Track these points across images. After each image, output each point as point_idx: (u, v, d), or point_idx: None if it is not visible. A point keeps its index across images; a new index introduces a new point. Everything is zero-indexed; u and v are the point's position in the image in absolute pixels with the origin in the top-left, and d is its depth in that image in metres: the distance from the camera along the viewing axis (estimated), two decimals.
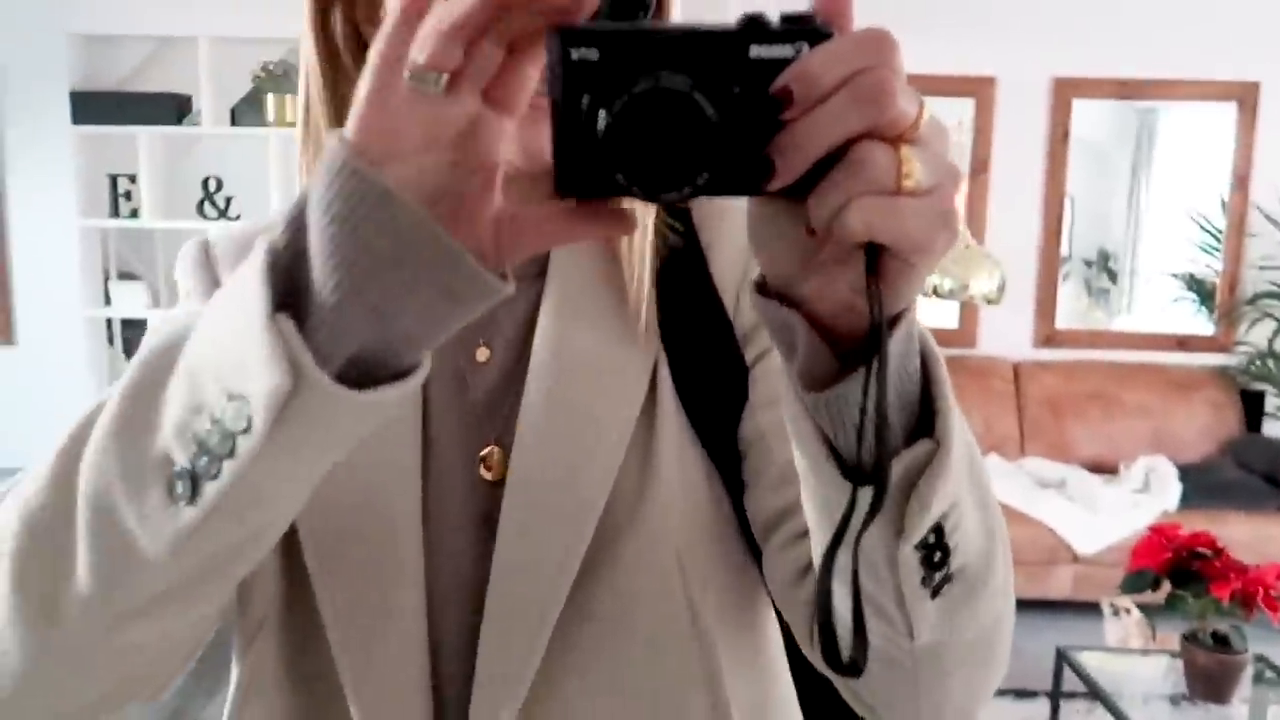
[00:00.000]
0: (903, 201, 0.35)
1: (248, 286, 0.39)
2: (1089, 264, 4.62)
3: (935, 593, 0.44)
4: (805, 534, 0.52)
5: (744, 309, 0.59)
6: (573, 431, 0.56)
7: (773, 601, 0.61)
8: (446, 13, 0.35)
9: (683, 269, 0.60)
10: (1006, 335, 4.35)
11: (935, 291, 4.28)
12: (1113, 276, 4.63)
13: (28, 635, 0.44)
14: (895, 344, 0.39)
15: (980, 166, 4.29)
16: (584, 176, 0.36)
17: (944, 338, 4.34)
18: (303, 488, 0.44)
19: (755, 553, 0.61)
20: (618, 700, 0.57)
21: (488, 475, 0.58)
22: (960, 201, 4.30)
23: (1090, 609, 3.62)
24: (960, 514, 0.43)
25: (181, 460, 0.40)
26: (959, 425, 0.42)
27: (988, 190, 4.31)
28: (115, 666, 0.47)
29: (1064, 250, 4.46)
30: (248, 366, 0.38)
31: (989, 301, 4.19)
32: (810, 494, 0.45)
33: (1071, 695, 3.00)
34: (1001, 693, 3.14)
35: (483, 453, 0.59)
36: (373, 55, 0.37)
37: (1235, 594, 2.07)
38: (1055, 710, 2.44)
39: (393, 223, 0.36)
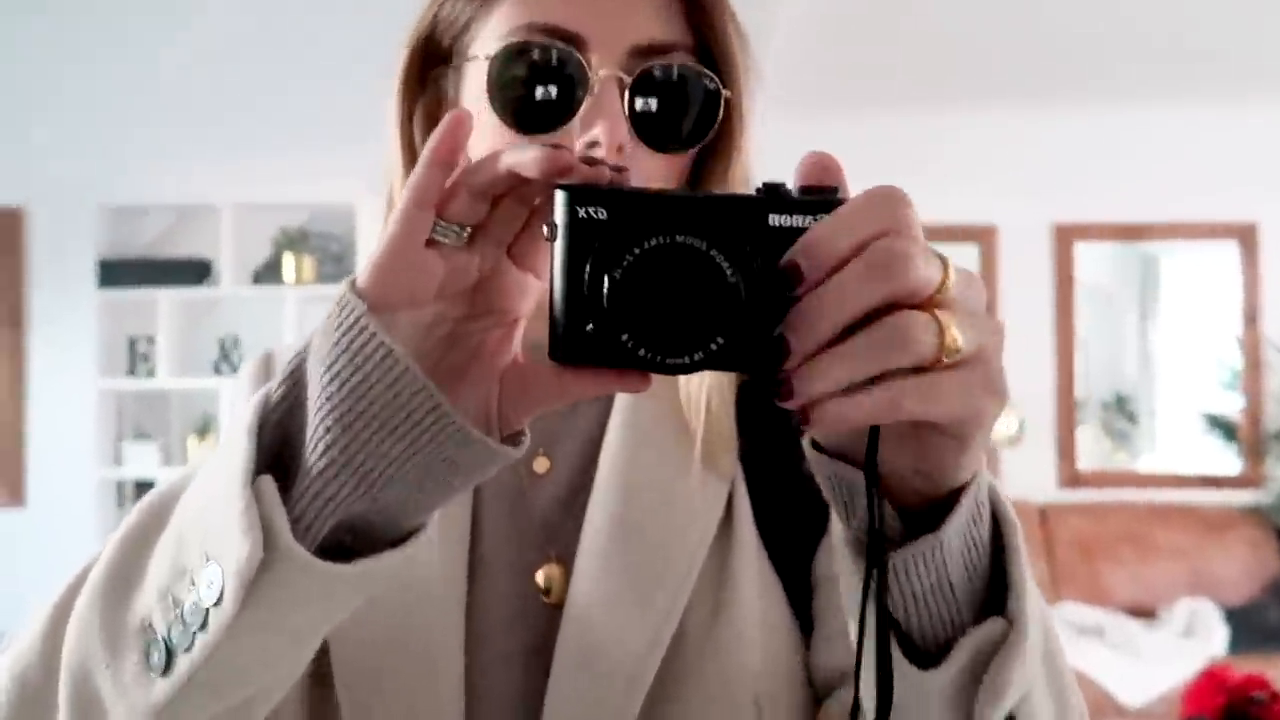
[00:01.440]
0: (939, 375, 0.32)
1: (235, 442, 0.37)
2: (1106, 407, 4.59)
3: None
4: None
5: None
6: (639, 557, 0.52)
7: None
8: (475, 169, 0.35)
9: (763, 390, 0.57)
10: (1030, 478, 4.27)
11: None
12: (1131, 418, 4.59)
13: None
14: (959, 514, 0.37)
15: (988, 312, 4.32)
16: (583, 343, 0.34)
17: None
18: (290, 663, 0.41)
19: None
20: None
21: (546, 598, 0.54)
22: None
23: None
24: (1033, 706, 0.39)
25: (160, 628, 0.38)
26: (1034, 601, 0.38)
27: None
28: None
29: (1079, 394, 4.44)
30: (224, 531, 0.36)
31: (1009, 443, 4.15)
32: (860, 667, 0.40)
33: None
34: None
35: (540, 572, 0.55)
36: (399, 201, 0.36)
37: None
38: None
39: (394, 387, 0.34)
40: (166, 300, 3.57)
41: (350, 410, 0.35)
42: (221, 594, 0.35)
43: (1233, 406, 4.31)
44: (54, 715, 0.41)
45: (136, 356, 3.68)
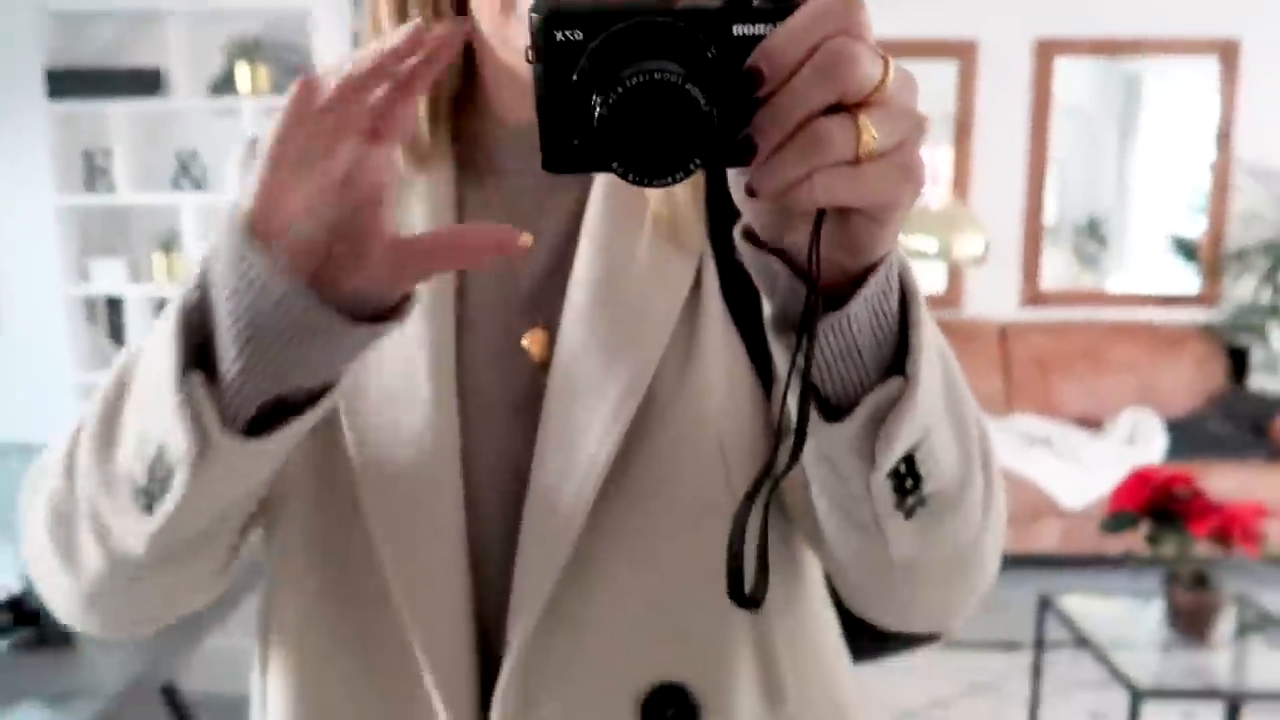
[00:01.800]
0: (862, 168, 0.35)
1: (164, 341, 0.44)
2: (1078, 230, 4.62)
3: (909, 515, 0.46)
4: None
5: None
6: (617, 320, 0.57)
7: None
8: (349, 93, 0.41)
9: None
10: (992, 297, 4.35)
11: (921, 254, 4.28)
12: (1102, 241, 4.63)
13: (71, 586, 0.54)
14: (869, 289, 0.41)
15: (964, 130, 4.27)
16: (573, 155, 0.37)
17: (930, 301, 4.32)
18: (256, 482, 0.50)
19: None
20: (654, 575, 0.58)
21: (534, 358, 0.59)
22: (946, 164, 4.31)
23: (1077, 563, 3.64)
24: (932, 444, 0.44)
25: (140, 480, 0.47)
26: (932, 363, 0.43)
27: (971, 153, 4.30)
28: (147, 601, 0.55)
29: (1054, 218, 4.46)
30: (168, 426, 0.44)
31: (974, 262, 4.19)
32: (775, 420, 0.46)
33: (1057, 645, 3.02)
34: (988, 644, 3.15)
35: (526, 336, 0.60)
36: (267, 138, 0.41)
37: (1212, 531, 2.08)
38: (1039, 658, 2.44)
39: (283, 304, 0.41)
40: (120, 113, 3.46)
41: (249, 325, 0.41)
42: (171, 470, 0.45)
43: (1198, 229, 4.36)
44: (79, 539, 0.51)
45: (94, 171, 3.60)
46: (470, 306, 0.61)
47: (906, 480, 0.45)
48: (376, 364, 0.58)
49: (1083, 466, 3.56)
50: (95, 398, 0.50)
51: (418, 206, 0.61)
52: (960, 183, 4.30)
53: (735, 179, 0.39)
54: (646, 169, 0.35)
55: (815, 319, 0.40)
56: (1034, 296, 4.36)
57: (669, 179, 0.35)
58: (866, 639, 0.68)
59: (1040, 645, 2.45)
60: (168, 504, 0.46)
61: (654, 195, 0.59)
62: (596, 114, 0.35)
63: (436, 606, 0.58)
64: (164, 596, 0.56)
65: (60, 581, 0.54)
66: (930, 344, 0.43)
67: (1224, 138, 4.25)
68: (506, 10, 0.55)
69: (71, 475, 0.50)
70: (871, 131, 0.35)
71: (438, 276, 0.59)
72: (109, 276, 3.61)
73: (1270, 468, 3.61)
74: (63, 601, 0.56)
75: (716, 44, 0.35)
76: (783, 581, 0.62)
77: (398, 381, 0.58)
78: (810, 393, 0.41)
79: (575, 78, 0.36)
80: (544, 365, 0.59)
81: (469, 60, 0.62)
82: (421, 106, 0.60)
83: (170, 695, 2.39)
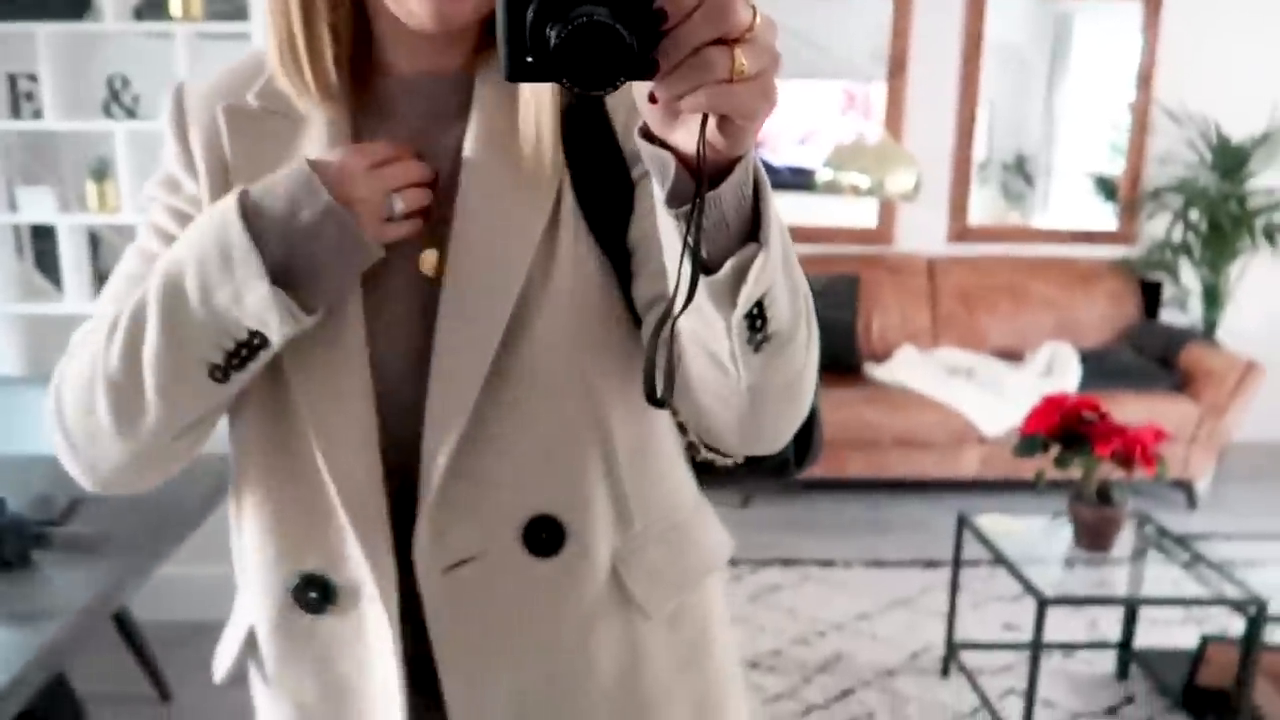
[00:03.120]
0: (734, 86, 0.48)
1: (241, 254, 0.67)
2: (1006, 168, 4.75)
3: (757, 349, 0.61)
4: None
5: (631, 136, 0.71)
6: (496, 236, 0.72)
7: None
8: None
9: (584, 109, 0.75)
10: (922, 233, 4.48)
11: (854, 190, 4.38)
12: (1028, 179, 4.78)
13: (124, 446, 0.73)
14: (734, 176, 0.54)
15: (897, 68, 4.35)
16: (528, 70, 0.49)
17: (862, 236, 4.46)
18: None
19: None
20: (531, 433, 0.75)
21: (428, 273, 0.74)
22: (879, 101, 4.39)
23: (995, 487, 3.85)
24: (775, 294, 0.59)
25: (217, 360, 0.70)
26: (777, 233, 0.57)
27: (905, 91, 4.38)
28: (172, 458, 0.77)
29: (984, 155, 4.58)
30: (266, 315, 0.68)
31: (905, 198, 4.31)
32: (670, 278, 0.60)
33: (975, 563, 3.22)
34: (910, 562, 3.34)
35: (422, 255, 0.74)
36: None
37: (1116, 452, 2.24)
38: (956, 573, 2.62)
39: (345, 241, 0.69)
40: (45, 35, 3.35)
41: (311, 259, 0.69)
42: (264, 342, 0.70)
43: (1118, 168, 4.53)
44: (143, 411, 0.71)
45: (19, 96, 3.48)
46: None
47: (757, 321, 0.59)
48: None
49: (1003, 396, 3.74)
50: (137, 307, 0.70)
51: (318, 140, 0.75)
52: (894, 119, 4.40)
53: (640, 89, 0.51)
54: (588, 83, 0.48)
55: (703, 190, 0.53)
56: (961, 232, 4.51)
57: (604, 90, 0.48)
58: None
59: (958, 562, 2.62)
60: (247, 370, 0.70)
61: (521, 132, 0.73)
62: (552, 42, 0.47)
63: (351, 461, 0.74)
64: (182, 454, 0.77)
65: (110, 446, 0.73)
66: (776, 221, 0.57)
67: (1145, 80, 4.40)
68: None
69: (130, 362, 0.69)
70: (742, 60, 0.48)
71: None
72: (37, 205, 3.53)
73: (1176, 397, 3.84)
74: (107, 460, 0.74)
75: None
76: (636, 426, 0.79)
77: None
78: (700, 248, 0.54)
79: (531, 13, 0.48)
80: (437, 278, 0.73)
81: (364, 14, 0.75)
82: (328, 52, 0.73)
83: (122, 622, 2.43)
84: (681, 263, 0.55)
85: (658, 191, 0.56)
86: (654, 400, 0.60)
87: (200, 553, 2.24)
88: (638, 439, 0.80)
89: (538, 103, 0.72)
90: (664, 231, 0.58)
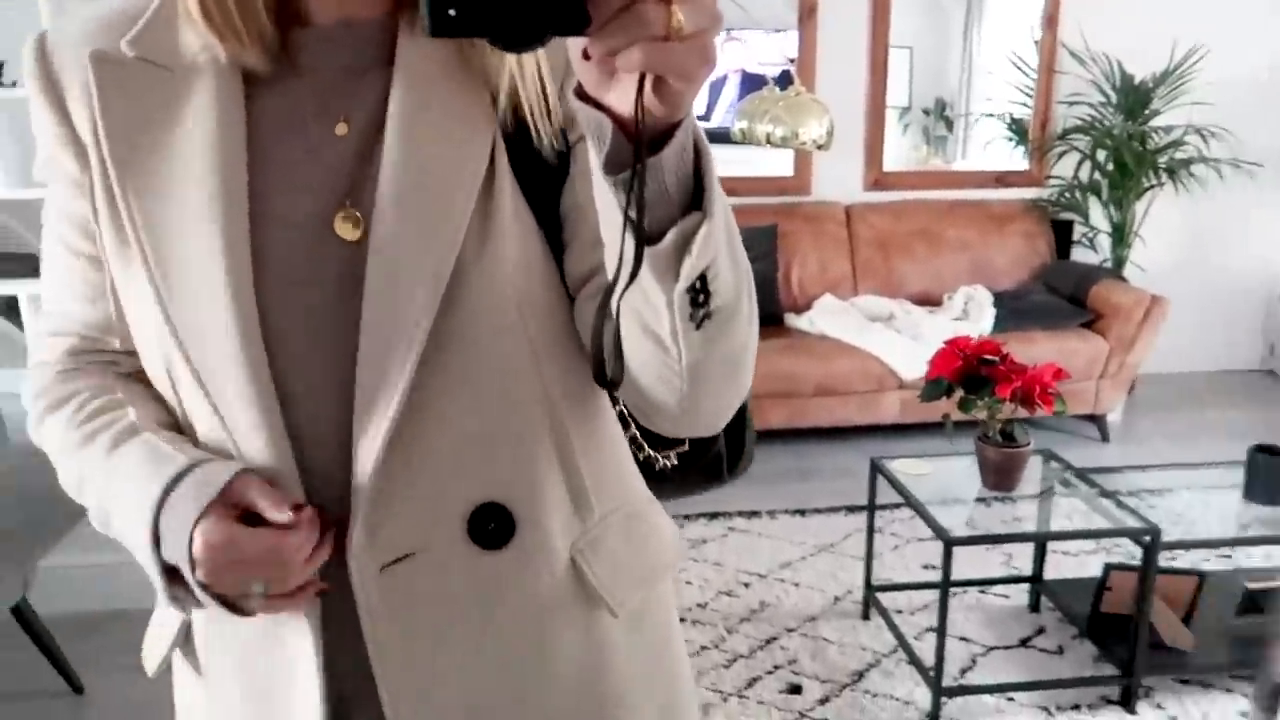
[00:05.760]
0: (671, 45, 0.45)
1: (152, 569, 0.67)
2: (927, 113, 4.78)
3: (699, 325, 0.58)
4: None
5: (566, 99, 0.67)
6: (427, 195, 0.65)
7: None
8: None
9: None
10: (839, 181, 4.50)
11: (768, 139, 4.37)
12: (949, 124, 4.81)
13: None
14: (675, 142, 0.51)
15: (808, 13, 4.33)
16: (451, 23, 0.45)
17: (779, 185, 4.46)
18: None
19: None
20: (473, 416, 0.68)
21: (349, 236, 0.66)
22: (791, 49, 4.36)
23: (916, 430, 3.92)
24: (719, 267, 0.56)
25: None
26: (720, 201, 0.54)
27: (816, 38, 4.37)
28: None
29: (904, 100, 4.59)
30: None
31: (819, 147, 4.30)
32: (609, 251, 0.57)
33: (894, 506, 3.28)
34: (834, 509, 3.39)
35: (338, 217, 0.67)
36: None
37: (1016, 392, 2.29)
38: (871, 517, 2.66)
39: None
40: None
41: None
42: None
43: (1027, 108, 4.58)
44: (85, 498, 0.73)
45: None
46: (268, 200, 0.67)
47: (700, 296, 0.56)
48: (181, 268, 0.66)
49: (921, 341, 3.80)
50: (90, 484, 0.71)
51: (206, 102, 0.67)
52: (806, 68, 4.38)
53: (574, 45, 0.49)
54: (512, 38, 0.45)
55: (643, 155, 0.49)
56: (877, 180, 4.53)
57: (530, 47, 0.45)
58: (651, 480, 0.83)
59: (873, 506, 2.66)
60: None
61: (456, 75, 0.67)
62: None
63: (259, 450, 0.67)
64: None
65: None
66: (718, 189, 0.54)
67: (1050, 21, 4.44)
68: None
69: (78, 490, 0.73)
70: (679, 17, 0.45)
71: (226, 177, 0.66)
72: None
73: (1085, 334, 3.93)
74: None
75: None
76: (584, 406, 0.74)
77: (199, 284, 0.66)
78: (641, 215, 0.51)
79: None
80: (356, 244, 0.66)
81: None
82: (260, 3, 0.66)
83: (21, 616, 2.37)
84: (625, 234, 0.52)
85: (594, 157, 0.52)
86: (603, 381, 0.56)
87: (99, 540, 2.18)
88: (589, 420, 0.74)
89: (480, 50, 0.66)
90: (602, 201, 0.54)
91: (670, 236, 0.53)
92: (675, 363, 0.60)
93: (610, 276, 0.54)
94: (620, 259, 0.53)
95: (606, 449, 0.76)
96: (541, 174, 0.68)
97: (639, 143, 0.49)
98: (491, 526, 0.69)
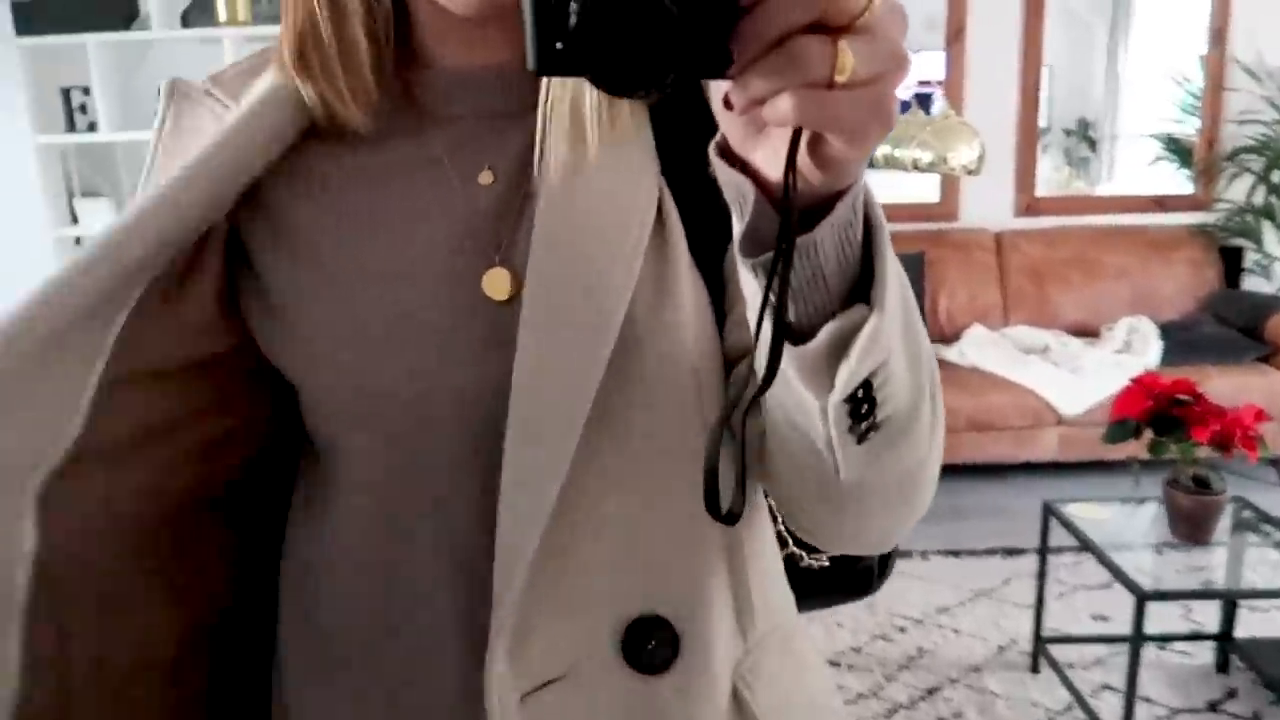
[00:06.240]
0: (835, 94, 0.35)
1: None
2: (1069, 133, 4.58)
3: (861, 439, 0.47)
4: None
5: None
6: (588, 246, 0.55)
7: None
8: None
9: (682, 100, 0.58)
10: (988, 206, 4.33)
11: (915, 165, 4.24)
12: (1092, 144, 4.60)
13: None
14: (836, 215, 0.41)
15: (956, 35, 4.20)
16: (556, 59, 0.36)
17: (925, 212, 4.32)
18: None
19: None
20: (636, 508, 0.57)
21: (498, 296, 0.57)
22: (928, 70, 4.23)
23: (1076, 469, 3.71)
24: (889, 371, 0.45)
25: None
26: (896, 292, 0.44)
27: (965, 60, 4.23)
28: None
29: (1043, 121, 4.41)
30: None
31: (969, 172, 4.15)
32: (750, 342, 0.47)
33: (1059, 550, 3.10)
34: (990, 551, 3.23)
35: (486, 275, 0.57)
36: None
37: (1214, 436, 2.12)
38: (1043, 563, 2.51)
39: None
40: (94, 46, 3.36)
41: None
42: None
43: (1190, 130, 4.33)
44: None
45: (73, 109, 3.51)
46: (411, 260, 0.58)
47: (862, 406, 0.46)
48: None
49: (1081, 374, 3.60)
50: None
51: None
52: (954, 90, 4.24)
53: (716, 89, 0.39)
54: (618, 80, 0.35)
55: (791, 233, 0.39)
56: (1029, 205, 4.35)
57: (642, 91, 0.35)
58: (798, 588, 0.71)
59: (1044, 552, 2.51)
60: None
61: (612, 132, 0.57)
62: (572, 20, 0.34)
63: None
64: None
65: None
66: (894, 274, 0.44)
67: (1218, 35, 4.19)
68: None
69: None
70: (849, 57, 0.35)
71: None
72: (97, 216, 3.56)
73: (1263, 369, 3.66)
74: None
75: None
76: (749, 504, 0.62)
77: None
78: (784, 312, 0.42)
79: None
80: (506, 304, 0.57)
81: (401, 9, 0.60)
82: (365, 58, 0.58)
83: None
84: (759, 326, 0.42)
85: (736, 230, 0.43)
86: (716, 514, 0.45)
87: None
88: (756, 514, 0.63)
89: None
90: (743, 282, 0.45)
91: (823, 336, 0.43)
92: (834, 476, 0.50)
93: (740, 382, 0.44)
94: (752, 360, 0.43)
95: (769, 553, 0.65)
96: (710, 229, 0.57)
97: (786, 215, 0.39)
98: (651, 645, 0.57)
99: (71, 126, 3.56)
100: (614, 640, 0.57)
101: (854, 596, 0.75)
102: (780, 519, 0.68)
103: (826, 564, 0.71)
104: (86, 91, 3.51)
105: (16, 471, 0.53)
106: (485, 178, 0.59)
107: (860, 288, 0.44)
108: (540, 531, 0.53)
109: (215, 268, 0.60)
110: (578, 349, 0.53)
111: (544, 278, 0.55)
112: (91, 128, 3.53)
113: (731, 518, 0.47)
